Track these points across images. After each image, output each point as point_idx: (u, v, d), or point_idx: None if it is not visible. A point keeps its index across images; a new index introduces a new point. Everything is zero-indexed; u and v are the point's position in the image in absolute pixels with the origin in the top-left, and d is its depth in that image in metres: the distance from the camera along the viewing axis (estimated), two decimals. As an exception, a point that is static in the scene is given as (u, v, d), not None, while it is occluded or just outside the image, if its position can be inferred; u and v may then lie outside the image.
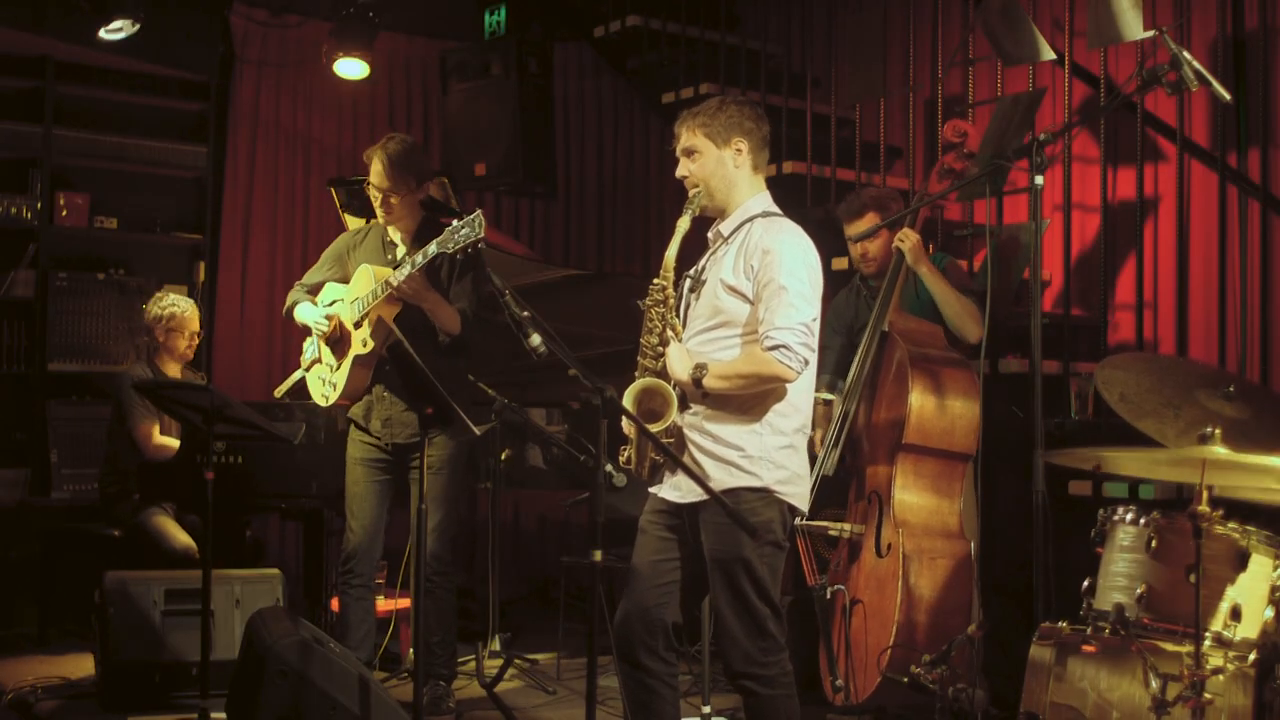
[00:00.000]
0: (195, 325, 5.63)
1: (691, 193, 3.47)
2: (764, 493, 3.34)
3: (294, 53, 6.73)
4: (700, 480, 3.26)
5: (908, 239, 4.54)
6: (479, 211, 4.17)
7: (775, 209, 3.49)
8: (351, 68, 6.27)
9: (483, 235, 4.09)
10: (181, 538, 5.31)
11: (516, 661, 5.26)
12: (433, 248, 4.26)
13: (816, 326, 3.34)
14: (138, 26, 5.75)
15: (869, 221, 4.67)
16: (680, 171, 3.49)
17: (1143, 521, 3.45)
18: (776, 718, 3.34)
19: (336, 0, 6.19)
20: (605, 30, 6.79)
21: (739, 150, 3.44)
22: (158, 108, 6.57)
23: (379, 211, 4.67)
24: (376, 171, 4.60)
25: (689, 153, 3.47)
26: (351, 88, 6.68)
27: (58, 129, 6.24)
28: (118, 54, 6.08)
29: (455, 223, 4.20)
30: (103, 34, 5.76)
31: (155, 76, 6.48)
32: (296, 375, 4.85)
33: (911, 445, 4.27)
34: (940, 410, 4.29)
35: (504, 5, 6.57)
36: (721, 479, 3.34)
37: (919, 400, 4.26)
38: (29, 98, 6.24)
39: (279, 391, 4.98)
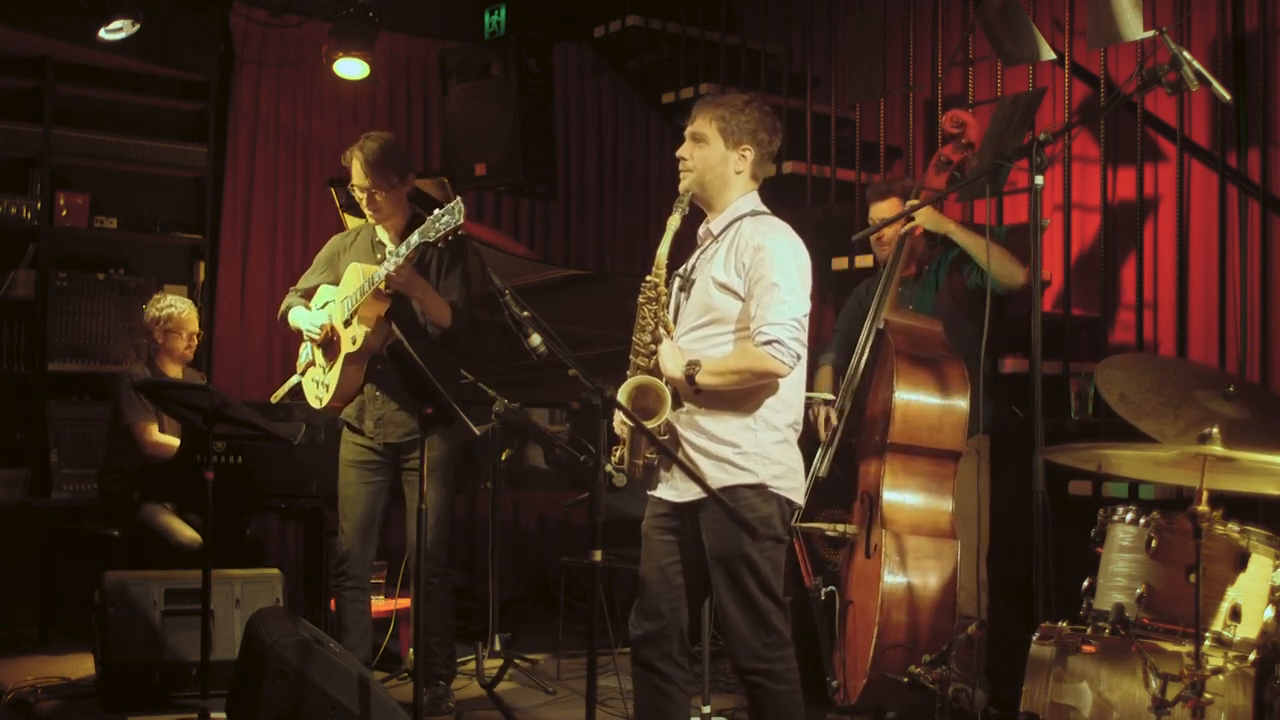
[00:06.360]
0: (194, 325, 5.63)
1: (682, 187, 3.47)
2: (760, 489, 3.34)
3: (294, 53, 6.72)
4: (699, 479, 3.26)
5: (918, 216, 4.48)
6: (458, 199, 4.20)
7: (764, 209, 3.50)
8: (351, 68, 6.27)
9: (462, 221, 4.12)
10: (187, 532, 5.32)
11: (516, 661, 5.26)
12: (415, 237, 4.30)
13: (807, 322, 3.35)
14: (137, 26, 5.74)
15: (892, 206, 4.67)
16: (681, 152, 3.48)
17: (1143, 521, 3.45)
18: (782, 714, 3.34)
19: (336, 0, 6.19)
20: (605, 30, 6.79)
21: (744, 156, 3.45)
22: (158, 108, 6.56)
23: (366, 211, 4.69)
24: (356, 171, 4.62)
25: (697, 138, 3.46)
26: (351, 88, 6.68)
27: (58, 129, 6.23)
28: (117, 54, 6.07)
29: (436, 211, 4.23)
30: (102, 34, 5.75)
31: (155, 76, 6.47)
32: (293, 380, 4.84)
33: (897, 445, 4.19)
34: (926, 408, 4.21)
35: (504, 5, 6.57)
36: (717, 477, 3.33)
37: (903, 399, 4.19)
38: (29, 98, 6.23)
39: (275, 397, 4.97)
